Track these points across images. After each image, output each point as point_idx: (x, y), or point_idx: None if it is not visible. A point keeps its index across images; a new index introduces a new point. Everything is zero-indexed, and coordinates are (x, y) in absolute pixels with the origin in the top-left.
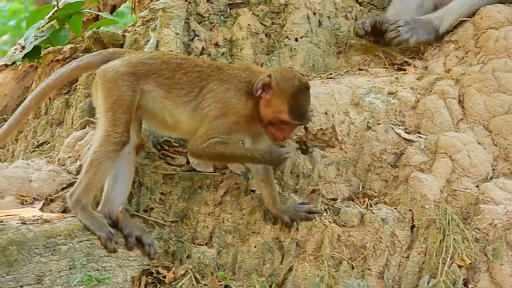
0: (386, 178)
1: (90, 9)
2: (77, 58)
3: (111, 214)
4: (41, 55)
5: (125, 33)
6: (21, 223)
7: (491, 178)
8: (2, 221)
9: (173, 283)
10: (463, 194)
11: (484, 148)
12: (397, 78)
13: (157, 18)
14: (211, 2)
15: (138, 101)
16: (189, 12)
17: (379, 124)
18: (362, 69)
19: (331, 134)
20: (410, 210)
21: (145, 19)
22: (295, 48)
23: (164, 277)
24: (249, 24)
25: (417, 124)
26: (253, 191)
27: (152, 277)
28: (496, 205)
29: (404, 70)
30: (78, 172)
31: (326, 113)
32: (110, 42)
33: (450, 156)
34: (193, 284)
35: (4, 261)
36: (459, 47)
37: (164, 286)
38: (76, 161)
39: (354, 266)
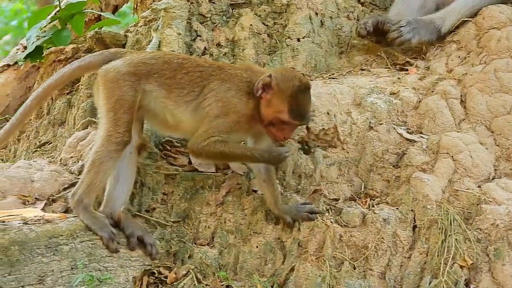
0: (388, 178)
1: (92, 9)
2: (79, 58)
3: (113, 214)
4: (43, 55)
5: (127, 33)
6: (23, 223)
7: (493, 178)
8: (4, 221)
9: (174, 283)
10: (465, 194)
11: (486, 148)
12: (399, 78)
13: (159, 18)
14: (213, 2)
15: (140, 101)
16: (191, 12)
17: (381, 124)
18: (364, 69)
19: (333, 134)
20: (412, 210)
21: (147, 19)
22: (297, 48)
23: (166, 277)
24: (251, 24)
25: (419, 124)
26: (255, 191)
27: (154, 277)
28: (498, 206)
29: (406, 70)
30: (80, 172)
31: (328, 113)
32: (112, 42)
33: (452, 156)
34: (194, 284)
35: (6, 261)
36: (461, 47)
37: (166, 286)
38: (78, 161)
39: (356, 266)
